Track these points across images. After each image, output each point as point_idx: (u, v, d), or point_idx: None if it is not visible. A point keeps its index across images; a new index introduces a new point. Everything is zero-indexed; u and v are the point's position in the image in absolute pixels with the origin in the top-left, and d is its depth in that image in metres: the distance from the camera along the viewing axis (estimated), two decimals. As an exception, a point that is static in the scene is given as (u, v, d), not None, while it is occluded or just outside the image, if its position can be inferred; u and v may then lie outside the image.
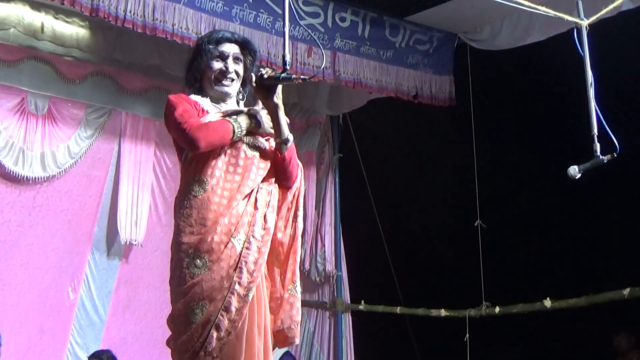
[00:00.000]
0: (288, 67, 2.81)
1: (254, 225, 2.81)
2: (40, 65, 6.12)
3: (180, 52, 6.23)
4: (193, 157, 2.85)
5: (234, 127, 2.79)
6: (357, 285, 7.46)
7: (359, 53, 6.18)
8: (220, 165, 2.82)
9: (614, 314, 5.84)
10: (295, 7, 5.65)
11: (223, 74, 2.96)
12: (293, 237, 3.01)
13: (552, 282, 5.96)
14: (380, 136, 7.77)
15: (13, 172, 6.04)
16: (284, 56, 2.82)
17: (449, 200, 6.94)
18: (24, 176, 6.09)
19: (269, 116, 2.88)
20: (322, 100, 7.53)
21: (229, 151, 2.85)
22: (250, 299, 2.73)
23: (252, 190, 2.85)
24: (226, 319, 2.66)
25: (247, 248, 2.76)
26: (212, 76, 2.96)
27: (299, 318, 2.99)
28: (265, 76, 2.77)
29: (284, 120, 2.88)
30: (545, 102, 6.33)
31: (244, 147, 2.88)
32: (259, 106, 2.90)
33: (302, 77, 2.79)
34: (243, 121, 2.85)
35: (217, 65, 2.97)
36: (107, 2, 4.87)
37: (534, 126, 6.43)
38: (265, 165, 2.91)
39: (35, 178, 6.15)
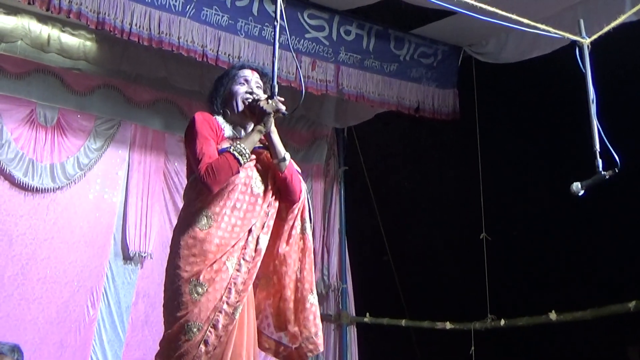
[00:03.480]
0: (276, 95, 3.03)
1: (245, 249, 2.94)
2: (48, 77, 6.19)
3: (186, 65, 6.30)
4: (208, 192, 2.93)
5: (234, 155, 2.88)
6: (362, 297, 7.45)
7: (363, 66, 6.20)
8: (228, 204, 2.94)
9: (621, 327, 5.80)
10: (300, 21, 5.69)
11: (248, 94, 3.12)
12: (304, 250, 3.13)
13: (557, 295, 5.92)
14: (386, 149, 7.78)
15: (23, 183, 6.09)
16: (272, 86, 3.05)
17: (454, 212, 6.92)
18: (34, 187, 6.14)
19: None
20: (329, 113, 7.56)
21: (237, 188, 2.96)
22: (237, 317, 2.87)
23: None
24: (213, 335, 2.80)
25: (237, 270, 2.90)
26: (238, 98, 3.12)
27: (321, 326, 3.11)
28: (261, 105, 2.99)
29: (277, 140, 3.06)
30: (551, 115, 6.31)
31: (252, 182, 3.01)
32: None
33: (284, 112, 3.02)
34: (244, 142, 2.96)
35: (243, 88, 3.14)
36: (113, 16, 4.92)
37: (539, 139, 6.41)
38: (271, 202, 3.05)
39: (45, 189, 6.20)
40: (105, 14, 4.91)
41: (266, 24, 5.58)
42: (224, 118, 3.14)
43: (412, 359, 7.07)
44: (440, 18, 6.23)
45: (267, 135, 3.04)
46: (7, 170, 6.03)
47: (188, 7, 5.24)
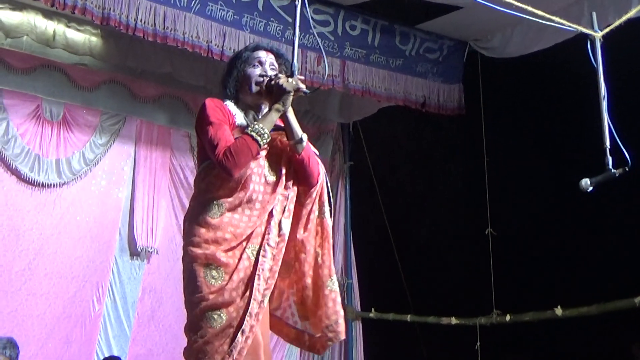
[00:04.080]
0: (296, 73, 2.92)
1: (268, 234, 2.84)
2: (54, 72, 6.20)
3: (191, 60, 6.29)
4: (216, 174, 2.86)
5: (252, 136, 2.79)
6: (368, 293, 7.45)
7: (369, 61, 6.19)
8: (242, 195, 2.84)
9: (627, 322, 5.80)
10: (305, 15, 5.67)
11: (261, 77, 2.99)
12: (323, 235, 3.02)
13: (563, 290, 5.92)
14: (391, 144, 7.78)
15: (29, 179, 6.12)
16: (292, 64, 2.92)
17: (459, 208, 6.92)
18: (40, 182, 6.16)
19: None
20: (333, 108, 7.55)
21: (251, 178, 2.86)
22: (265, 305, 2.80)
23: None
24: (249, 324, 2.72)
25: (262, 256, 2.80)
26: (252, 81, 3.00)
27: (342, 312, 3.00)
28: (281, 82, 2.86)
29: (294, 121, 2.94)
30: (557, 109, 6.31)
31: (265, 172, 2.91)
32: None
33: (305, 91, 2.89)
34: (262, 122, 2.86)
35: (257, 70, 3.01)
36: (118, 11, 4.92)
37: (545, 134, 6.41)
38: (289, 185, 2.94)
39: (51, 184, 6.22)
40: (110, 9, 4.91)
41: (271, 19, 5.57)
42: (236, 104, 3.02)
43: (417, 355, 7.08)
44: (445, 13, 6.22)
45: (284, 116, 2.91)
46: (14, 166, 6.05)
47: (193, 2, 5.24)
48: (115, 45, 6.21)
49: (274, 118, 2.88)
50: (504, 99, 6.56)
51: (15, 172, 6.08)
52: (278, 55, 3.11)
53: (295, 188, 2.98)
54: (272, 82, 2.91)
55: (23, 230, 6.06)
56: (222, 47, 5.36)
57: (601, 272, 5.81)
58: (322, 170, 3.05)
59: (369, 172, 7.44)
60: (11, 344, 5.01)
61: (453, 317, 6.38)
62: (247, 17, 5.51)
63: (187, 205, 6.58)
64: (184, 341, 2.86)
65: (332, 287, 2.97)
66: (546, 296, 5.91)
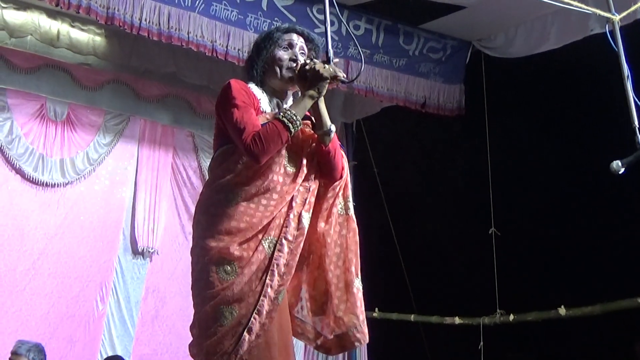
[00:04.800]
0: (332, 60, 2.73)
1: (287, 227, 2.66)
2: (58, 72, 6.22)
3: (195, 60, 6.30)
4: (235, 160, 2.69)
5: (284, 123, 2.62)
6: (371, 292, 7.38)
7: (372, 61, 6.20)
8: (259, 184, 2.66)
9: (630, 322, 5.79)
10: (309, 15, 5.69)
11: (293, 62, 2.81)
12: (348, 231, 2.83)
13: (566, 290, 5.92)
14: (394, 144, 7.76)
15: (33, 178, 6.13)
16: (327, 51, 2.74)
17: (463, 207, 6.91)
18: (44, 182, 6.17)
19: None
20: (336, 108, 7.55)
21: (271, 168, 2.67)
22: (280, 302, 2.62)
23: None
24: (258, 322, 2.56)
25: (279, 250, 2.62)
26: (284, 65, 2.81)
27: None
28: (317, 68, 2.66)
29: (324, 110, 2.76)
30: (561, 110, 6.30)
31: (285, 161, 2.71)
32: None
33: (343, 79, 2.71)
34: (295, 108, 2.68)
35: (286, 54, 2.83)
36: (123, 11, 4.94)
37: (548, 134, 6.40)
38: (304, 175, 2.75)
39: (55, 184, 6.23)
40: (114, 9, 4.93)
41: (275, 18, 5.58)
42: (261, 87, 2.85)
43: (420, 354, 7.07)
44: (448, 13, 6.22)
45: (315, 104, 2.72)
46: (18, 165, 6.07)
47: (197, 2, 5.25)
48: (119, 45, 6.23)
49: (307, 105, 2.69)
50: (508, 98, 6.55)
51: (20, 172, 6.10)
52: (309, 40, 2.92)
53: (317, 181, 2.79)
54: (307, 67, 2.71)
55: (27, 230, 6.07)
56: (227, 46, 5.38)
57: (605, 271, 5.80)
58: (346, 164, 2.87)
59: (373, 172, 7.43)
60: (37, 349, 5.01)
61: (456, 317, 6.40)
62: (251, 16, 5.52)
63: (190, 205, 6.66)
64: (188, 340, 2.72)
65: (358, 286, 2.79)
66: (550, 296, 5.90)
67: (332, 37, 5.77)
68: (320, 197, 2.79)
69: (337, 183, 2.80)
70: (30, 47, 5.87)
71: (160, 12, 5.11)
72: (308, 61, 2.74)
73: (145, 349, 6.47)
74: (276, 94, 2.88)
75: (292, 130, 2.61)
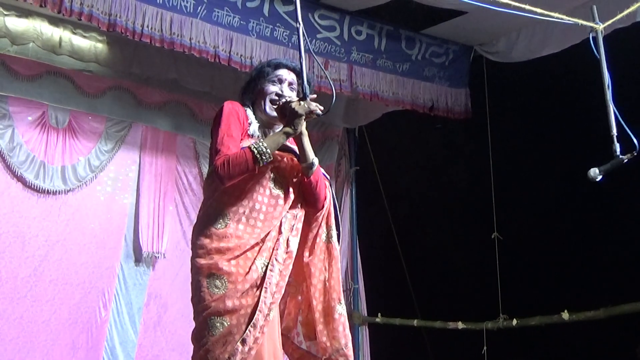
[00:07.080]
0: (309, 95, 2.88)
1: (277, 250, 2.86)
2: (59, 79, 6.19)
3: (197, 66, 6.31)
4: (220, 184, 2.87)
5: (253, 152, 2.78)
6: (374, 298, 7.44)
7: (376, 66, 6.20)
8: (246, 204, 2.87)
9: (634, 326, 5.78)
10: (311, 21, 5.69)
11: (278, 97, 3.00)
12: (330, 259, 3.05)
13: (570, 295, 5.90)
14: (396, 149, 7.77)
15: (35, 186, 6.11)
16: (303, 87, 2.89)
17: (466, 212, 6.92)
18: (45, 189, 6.16)
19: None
20: (339, 113, 7.56)
21: (255, 188, 2.88)
22: (270, 318, 2.81)
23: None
24: (252, 335, 2.73)
25: (270, 270, 2.82)
26: (267, 98, 3.01)
27: (350, 336, 3.07)
28: (292, 106, 2.85)
29: (308, 144, 2.94)
30: (563, 114, 6.31)
31: (270, 184, 2.92)
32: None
33: (318, 113, 2.86)
34: (268, 142, 2.84)
35: (273, 88, 3.02)
36: (125, 17, 4.93)
37: (551, 138, 6.41)
38: (291, 201, 2.95)
39: (56, 191, 6.22)
40: (116, 15, 4.91)
41: (277, 24, 5.59)
42: (254, 113, 3.05)
43: (424, 359, 7.06)
44: (450, 18, 6.23)
45: (297, 138, 2.90)
46: (19, 173, 6.05)
47: (199, 8, 5.24)
48: (120, 51, 6.22)
49: (281, 140, 2.87)
50: (510, 103, 6.56)
51: (21, 179, 6.07)
52: (300, 75, 3.04)
53: (303, 210, 3.02)
54: (285, 105, 2.90)
55: (29, 237, 6.05)
56: (229, 52, 5.37)
57: (608, 276, 5.80)
58: (329, 194, 3.08)
59: (375, 177, 7.43)
60: None
61: (460, 322, 6.37)
62: (253, 22, 5.52)
63: (192, 211, 6.67)
64: (190, 346, 2.90)
65: (341, 312, 3.02)
66: (553, 300, 5.89)
67: (333, 42, 5.78)
68: (307, 226, 3.02)
69: (319, 213, 3.03)
70: (32, 55, 5.85)
71: (163, 19, 5.09)
72: (287, 98, 2.93)
73: (148, 355, 6.45)
74: (265, 125, 3.05)
75: (260, 161, 2.79)
